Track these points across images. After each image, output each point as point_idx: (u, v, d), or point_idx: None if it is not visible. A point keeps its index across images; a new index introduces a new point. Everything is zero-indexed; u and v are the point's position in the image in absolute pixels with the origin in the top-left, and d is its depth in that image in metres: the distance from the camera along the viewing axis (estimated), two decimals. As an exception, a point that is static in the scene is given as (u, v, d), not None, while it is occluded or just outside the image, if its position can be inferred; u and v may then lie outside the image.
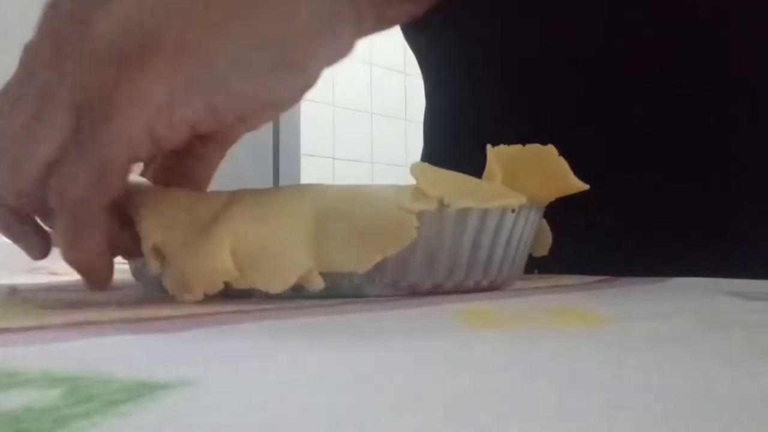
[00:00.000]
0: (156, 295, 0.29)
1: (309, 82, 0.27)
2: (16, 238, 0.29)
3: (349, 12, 0.26)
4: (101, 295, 0.30)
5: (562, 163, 0.32)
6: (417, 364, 0.15)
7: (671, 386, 0.13)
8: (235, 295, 0.28)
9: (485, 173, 0.32)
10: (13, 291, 0.31)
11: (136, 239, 0.29)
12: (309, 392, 0.13)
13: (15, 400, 0.12)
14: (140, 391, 0.12)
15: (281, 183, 2.05)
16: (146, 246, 0.28)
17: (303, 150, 2.21)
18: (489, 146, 0.32)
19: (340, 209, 0.28)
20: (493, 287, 0.32)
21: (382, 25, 0.28)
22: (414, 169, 0.29)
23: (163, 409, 0.11)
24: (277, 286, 0.27)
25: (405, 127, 2.48)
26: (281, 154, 2.11)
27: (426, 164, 0.29)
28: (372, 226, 0.28)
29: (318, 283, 0.27)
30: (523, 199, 0.30)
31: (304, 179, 2.14)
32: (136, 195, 0.29)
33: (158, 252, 0.28)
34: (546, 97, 0.49)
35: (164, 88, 0.24)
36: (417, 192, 0.28)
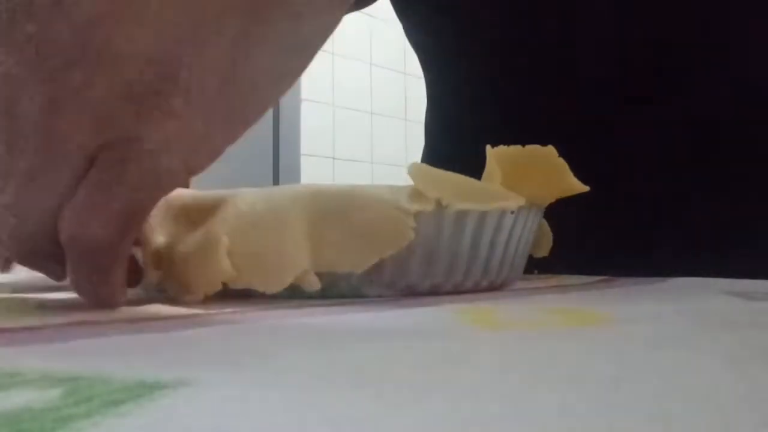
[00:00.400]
0: (156, 295, 0.29)
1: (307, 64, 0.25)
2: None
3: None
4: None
5: (562, 164, 0.32)
6: (417, 364, 0.15)
7: (671, 386, 0.13)
8: (234, 296, 0.28)
9: (485, 174, 0.32)
10: (13, 291, 0.31)
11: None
12: (308, 392, 0.13)
13: (15, 400, 0.12)
14: (140, 391, 0.12)
15: (281, 183, 2.05)
16: (147, 253, 0.28)
17: (303, 150, 2.21)
18: (488, 147, 0.32)
19: (337, 210, 0.28)
20: (492, 288, 0.32)
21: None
22: (412, 170, 0.29)
23: (163, 409, 0.11)
24: (273, 287, 0.27)
25: (405, 127, 2.48)
26: (281, 154, 2.11)
27: (424, 165, 0.29)
28: (369, 227, 0.28)
29: (314, 284, 0.27)
30: (521, 201, 0.30)
31: (304, 179, 2.14)
32: None
33: (157, 258, 0.28)
34: (547, 97, 0.49)
35: (201, 119, 0.22)
36: (414, 193, 0.28)
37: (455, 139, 0.55)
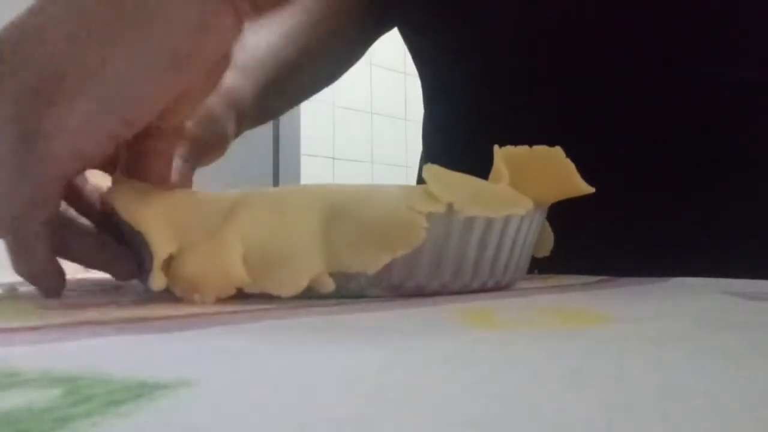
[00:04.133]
0: (156, 295, 0.29)
1: (200, 71, 0.29)
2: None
3: (222, 5, 0.29)
4: (101, 296, 0.30)
5: (569, 165, 0.32)
6: (417, 364, 0.15)
7: (671, 386, 0.13)
8: (234, 295, 0.28)
9: (492, 174, 0.32)
10: (13, 290, 0.31)
11: (134, 254, 0.30)
12: (309, 392, 0.13)
13: (15, 400, 0.12)
14: (140, 391, 0.12)
15: (281, 183, 2.05)
16: (159, 259, 0.27)
17: (303, 150, 2.21)
18: (496, 147, 0.32)
19: (349, 210, 0.28)
20: (497, 288, 0.32)
21: (259, 11, 0.31)
22: (426, 172, 0.29)
23: (163, 409, 0.11)
24: (288, 290, 0.27)
25: (405, 127, 2.48)
26: (281, 154, 2.11)
27: (437, 167, 0.29)
28: (381, 227, 0.27)
29: (328, 285, 0.27)
30: (530, 204, 0.30)
31: (304, 179, 2.14)
32: (131, 205, 0.29)
33: (167, 264, 0.28)
34: (546, 100, 0.49)
35: (79, 111, 0.27)
36: (427, 193, 0.28)
37: (454, 146, 0.55)
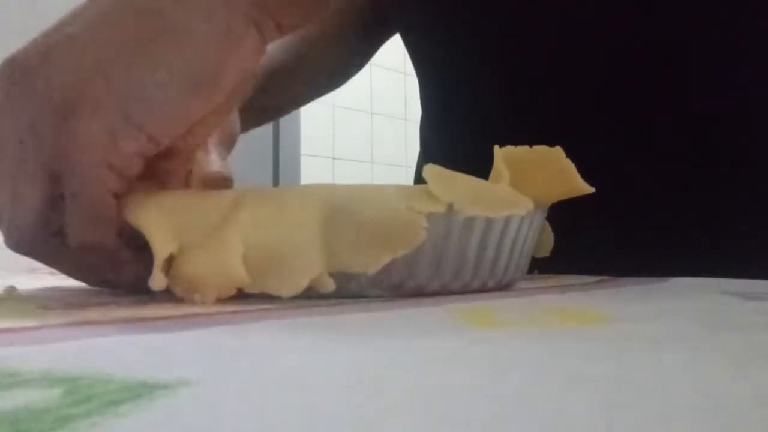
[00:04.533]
0: (156, 295, 0.29)
1: (227, 91, 0.30)
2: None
3: (246, 25, 0.29)
4: (101, 296, 0.30)
5: (569, 165, 0.32)
6: (417, 364, 0.15)
7: (671, 386, 0.13)
8: (234, 295, 0.28)
9: (492, 174, 0.32)
10: (13, 291, 0.31)
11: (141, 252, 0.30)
12: (309, 392, 0.13)
13: (15, 400, 0.12)
14: (140, 391, 0.12)
15: (281, 183, 2.05)
16: (159, 259, 0.27)
17: (303, 150, 2.21)
18: (496, 147, 0.32)
19: (349, 210, 0.28)
20: (498, 288, 0.32)
21: (282, 31, 0.31)
22: (427, 172, 0.29)
23: (163, 409, 0.11)
24: (289, 290, 0.27)
25: (405, 127, 2.48)
26: (281, 154, 2.11)
27: (438, 167, 0.29)
28: (381, 227, 0.27)
29: (329, 286, 0.27)
30: (530, 205, 0.30)
31: (304, 179, 2.14)
32: (132, 206, 0.29)
33: (168, 265, 0.28)
34: (546, 100, 0.49)
35: (104, 127, 0.27)
36: (427, 193, 0.28)
37: (451, 146, 0.55)
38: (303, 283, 0.27)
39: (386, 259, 0.27)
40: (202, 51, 0.28)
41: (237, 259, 0.27)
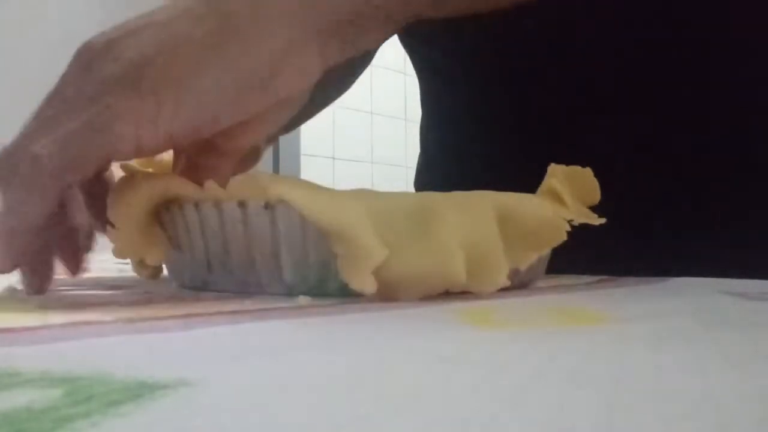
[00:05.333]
0: (156, 295, 0.29)
1: (278, 99, 0.30)
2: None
3: (311, 42, 0.30)
4: (101, 295, 0.30)
5: (596, 184, 0.34)
6: (417, 364, 0.15)
7: (671, 386, 0.13)
8: (234, 295, 0.28)
9: (540, 189, 0.34)
10: (13, 290, 0.31)
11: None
12: (309, 392, 0.13)
13: (15, 400, 0.12)
14: (140, 391, 0.12)
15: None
16: (373, 263, 0.27)
17: (303, 150, 2.21)
18: (552, 165, 0.34)
19: (509, 214, 0.30)
20: (511, 287, 0.32)
21: (345, 53, 0.32)
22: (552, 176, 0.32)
23: (163, 409, 0.11)
24: (489, 287, 0.29)
25: (405, 127, 2.48)
26: (281, 154, 2.11)
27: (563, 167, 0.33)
28: (533, 230, 0.31)
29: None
30: (564, 226, 0.32)
31: (304, 179, 2.14)
32: (328, 210, 0.28)
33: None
34: (547, 101, 0.49)
35: (154, 105, 0.28)
36: (559, 201, 0.32)
37: (451, 147, 0.55)
38: (501, 280, 0.29)
39: (534, 257, 0.31)
40: (260, 57, 0.29)
41: (458, 259, 0.28)
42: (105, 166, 0.29)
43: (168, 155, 0.36)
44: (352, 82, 0.64)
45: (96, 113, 0.27)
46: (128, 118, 0.28)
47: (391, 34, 0.34)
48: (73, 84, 0.29)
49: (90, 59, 0.29)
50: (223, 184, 0.32)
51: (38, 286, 0.30)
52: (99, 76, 0.28)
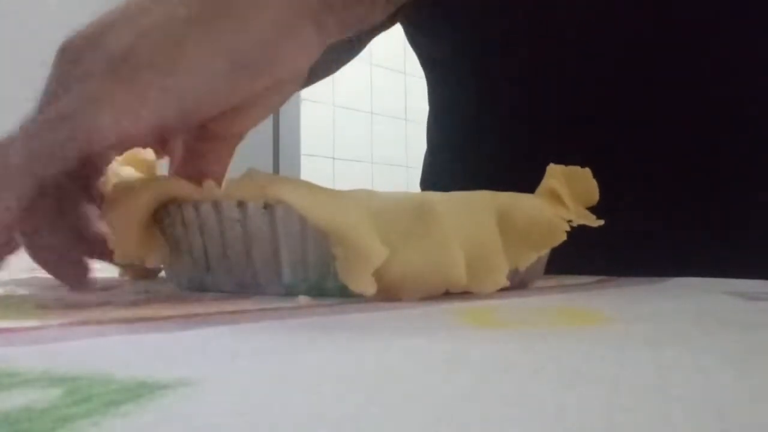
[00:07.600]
0: (156, 295, 0.29)
1: (267, 82, 0.29)
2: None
3: (306, 20, 0.29)
4: (101, 295, 0.30)
5: (595, 186, 0.34)
6: (417, 364, 0.15)
7: (671, 386, 0.13)
8: (234, 296, 0.28)
9: (539, 189, 0.34)
10: (13, 291, 0.31)
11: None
12: (309, 392, 0.13)
13: (15, 400, 0.12)
14: (140, 391, 0.12)
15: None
16: (373, 264, 0.27)
17: (303, 150, 2.21)
18: (551, 165, 0.33)
19: (509, 214, 0.30)
20: (510, 287, 0.32)
21: (343, 31, 0.31)
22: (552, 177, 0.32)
23: (163, 409, 0.11)
24: (490, 287, 0.29)
25: (405, 127, 2.48)
26: (281, 154, 2.11)
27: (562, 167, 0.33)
28: (532, 230, 0.31)
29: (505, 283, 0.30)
30: (564, 226, 0.32)
31: (304, 179, 2.14)
32: (327, 211, 0.28)
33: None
34: (549, 99, 0.49)
35: (135, 92, 0.27)
36: (560, 202, 0.32)
37: (457, 143, 0.55)
38: (501, 280, 0.29)
39: (533, 257, 0.31)
40: (251, 38, 0.28)
41: (458, 260, 0.28)
42: (86, 159, 0.28)
43: (151, 154, 0.35)
44: (336, 69, 0.63)
45: (67, 103, 0.27)
46: (105, 106, 0.27)
47: (392, 10, 0.34)
48: (56, 80, 0.28)
49: (73, 53, 0.28)
50: (224, 170, 0.32)
51: (76, 281, 0.30)
52: (81, 68, 0.27)
